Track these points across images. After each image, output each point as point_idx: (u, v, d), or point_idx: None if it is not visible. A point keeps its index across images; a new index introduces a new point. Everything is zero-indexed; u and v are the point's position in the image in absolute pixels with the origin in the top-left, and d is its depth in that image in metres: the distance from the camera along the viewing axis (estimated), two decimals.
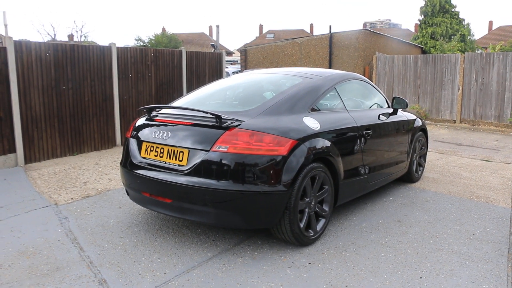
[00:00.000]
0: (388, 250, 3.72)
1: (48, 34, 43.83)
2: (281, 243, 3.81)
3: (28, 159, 6.72)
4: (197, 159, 3.45)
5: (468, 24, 30.90)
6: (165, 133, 3.72)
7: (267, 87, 4.53)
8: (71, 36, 43.38)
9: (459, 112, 12.06)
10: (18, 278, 3.21)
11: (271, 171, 3.38)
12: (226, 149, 3.35)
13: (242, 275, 3.27)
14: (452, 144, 9.18)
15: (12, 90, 6.38)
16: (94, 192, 5.27)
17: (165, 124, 3.84)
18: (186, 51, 9.54)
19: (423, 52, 22.58)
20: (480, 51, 29.44)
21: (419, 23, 31.11)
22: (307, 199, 3.68)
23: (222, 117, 3.50)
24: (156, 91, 8.84)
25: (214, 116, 3.52)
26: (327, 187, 3.90)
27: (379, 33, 16.87)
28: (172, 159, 3.60)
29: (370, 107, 5.16)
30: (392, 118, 5.16)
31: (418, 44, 25.95)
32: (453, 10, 29.62)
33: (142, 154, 3.87)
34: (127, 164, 3.98)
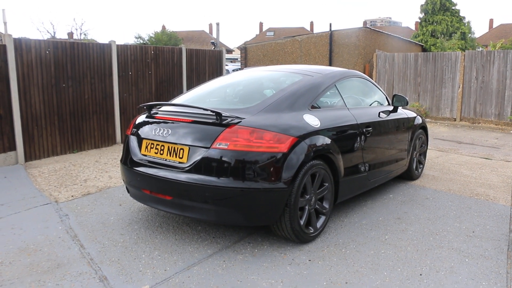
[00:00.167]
0: (388, 247, 3.73)
1: (48, 32, 43.75)
2: (281, 240, 3.82)
3: (28, 156, 6.72)
4: (198, 156, 3.45)
5: (468, 22, 30.85)
6: (165, 131, 3.72)
7: (267, 84, 4.54)
8: (70, 34, 43.35)
9: (459, 110, 12.05)
10: (19, 275, 3.22)
11: (272, 168, 3.39)
12: (226, 146, 3.35)
13: (242, 272, 3.27)
14: (452, 142, 9.18)
15: (12, 88, 6.38)
16: (95, 190, 5.28)
17: (165, 121, 3.84)
18: (186, 49, 9.53)
19: (424, 50, 22.57)
20: (480, 49, 29.43)
21: (419, 21, 31.09)
22: (307, 196, 3.69)
23: (223, 114, 3.50)
24: (156, 89, 8.84)
25: (214, 113, 3.52)
26: (327, 184, 3.90)
27: (379, 31, 16.86)
28: (173, 156, 3.61)
29: (370, 105, 5.17)
30: (392, 116, 5.16)
31: (419, 42, 25.93)
32: (453, 8, 29.60)
33: (143, 151, 3.88)
34: (128, 161, 3.99)
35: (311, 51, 16.10)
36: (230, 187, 3.34)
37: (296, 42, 16.53)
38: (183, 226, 4.14)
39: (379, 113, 4.92)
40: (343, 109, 4.42)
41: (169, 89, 9.14)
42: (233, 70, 16.70)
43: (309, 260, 3.47)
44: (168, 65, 9.09)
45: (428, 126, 8.20)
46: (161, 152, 3.70)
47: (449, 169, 6.52)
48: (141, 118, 4.17)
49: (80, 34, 43.53)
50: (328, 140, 3.86)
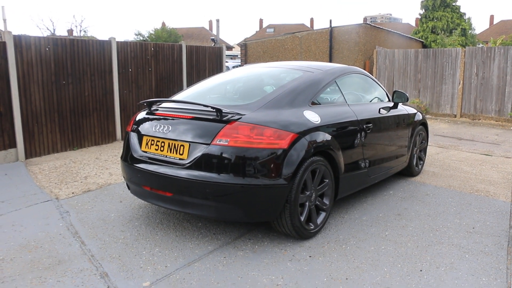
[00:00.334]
0: (388, 243, 3.74)
1: (48, 29, 43.74)
2: (281, 237, 3.82)
3: (29, 153, 6.72)
4: (198, 152, 3.45)
5: (469, 18, 30.80)
6: (166, 127, 3.72)
7: (268, 81, 4.53)
8: (70, 31, 43.29)
9: (460, 106, 12.04)
10: (20, 271, 3.23)
11: (272, 165, 3.39)
12: (226, 143, 3.35)
13: (243, 268, 3.28)
14: (453, 138, 9.18)
15: (12, 84, 6.37)
16: (95, 187, 5.28)
17: (165, 118, 3.84)
18: (186, 46, 9.52)
19: (424, 46, 22.54)
20: (481, 45, 29.36)
21: (419, 17, 31.00)
22: (308, 193, 3.69)
23: (223, 111, 3.50)
24: (156, 86, 8.84)
25: (214, 110, 3.52)
26: (327, 180, 3.90)
27: (379, 27, 16.82)
28: (173, 153, 3.61)
29: (370, 101, 5.16)
30: (393, 112, 5.16)
31: (419, 38, 25.88)
32: (454, 4, 29.51)
33: (143, 148, 3.88)
34: (128, 158, 3.99)
35: (311, 48, 16.08)
36: (231, 184, 3.35)
37: (296, 38, 16.50)
38: (183, 222, 4.14)
39: (379, 109, 4.91)
40: (343, 105, 4.41)
41: (169, 85, 9.14)
42: (233, 67, 16.68)
43: (310, 256, 3.47)
44: (168, 62, 9.08)
45: (428, 122, 8.20)
46: (162, 148, 3.71)
47: (450, 166, 6.52)
48: (142, 114, 4.17)
49: (80, 31, 43.48)
50: (328, 137, 3.86)
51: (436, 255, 3.51)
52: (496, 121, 11.34)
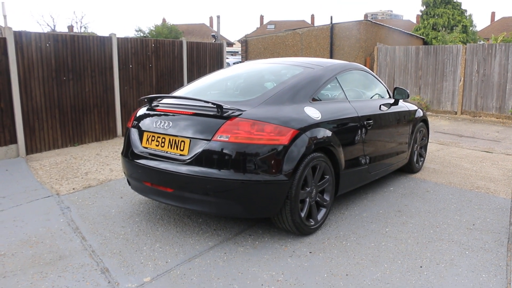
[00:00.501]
0: (389, 239, 3.74)
1: (48, 25, 43.65)
2: (282, 233, 3.83)
3: (30, 149, 6.73)
4: (198, 148, 3.45)
5: (470, 15, 30.73)
6: (166, 123, 3.72)
7: (268, 77, 4.53)
8: (71, 27, 43.25)
9: (460, 103, 12.03)
10: (21, 266, 3.24)
11: (272, 161, 3.39)
12: (227, 139, 3.36)
13: (243, 264, 3.29)
14: (453, 135, 9.17)
15: (13, 81, 6.37)
16: (96, 183, 5.29)
17: (166, 114, 3.84)
18: (187, 42, 9.51)
19: (425, 43, 22.49)
20: (482, 42, 29.31)
21: (420, 14, 30.93)
22: (308, 189, 3.69)
23: (223, 107, 3.50)
24: (157, 82, 8.83)
25: (215, 106, 3.52)
26: (328, 177, 3.91)
27: (380, 24, 16.79)
28: (174, 149, 3.61)
29: (371, 98, 5.16)
30: (393, 109, 5.16)
31: (420, 35, 25.83)
32: (455, 0, 29.42)
33: (144, 144, 3.88)
34: (129, 154, 3.99)
35: (312, 44, 16.05)
36: (231, 179, 3.35)
37: (297, 35, 16.47)
38: (184, 218, 4.15)
39: (380, 106, 4.91)
40: (344, 101, 4.41)
41: (170, 82, 9.13)
42: (234, 63, 16.64)
43: (310, 252, 3.48)
44: (169, 58, 9.07)
45: (429, 119, 8.19)
46: (162, 144, 3.71)
47: (450, 162, 6.52)
48: (142, 110, 4.17)
49: (80, 27, 43.45)
50: (329, 133, 3.86)
51: (436, 252, 3.52)
52: (497, 118, 11.33)
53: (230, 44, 45.84)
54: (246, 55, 17.72)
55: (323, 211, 3.94)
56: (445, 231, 3.94)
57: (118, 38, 7.96)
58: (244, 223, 4.03)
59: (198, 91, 4.46)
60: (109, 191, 4.98)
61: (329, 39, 15.56)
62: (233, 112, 3.49)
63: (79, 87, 7.34)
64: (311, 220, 3.80)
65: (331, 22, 15.74)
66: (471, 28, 30.56)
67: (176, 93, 4.46)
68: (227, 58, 18.95)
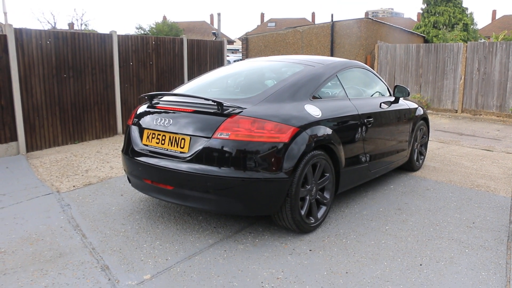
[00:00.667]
0: (389, 237, 3.75)
1: (48, 23, 43.68)
2: (282, 230, 3.83)
3: (30, 147, 6.73)
4: (199, 146, 3.45)
5: (471, 13, 30.61)
6: (167, 120, 3.72)
7: (269, 75, 4.53)
8: (71, 25, 43.23)
9: (461, 101, 12.02)
10: (22, 264, 3.24)
11: (273, 158, 3.39)
12: (227, 136, 3.36)
13: (243, 262, 3.29)
14: (454, 133, 9.17)
15: (13, 78, 6.37)
16: (96, 180, 5.29)
17: (166, 111, 3.84)
18: (187, 39, 9.50)
19: (426, 41, 22.46)
20: (483, 40, 29.25)
21: (421, 12, 30.88)
22: (308, 187, 3.69)
23: (224, 104, 3.50)
24: (157, 79, 8.83)
25: (215, 103, 3.52)
26: (328, 174, 3.91)
27: (381, 22, 16.77)
28: (174, 146, 3.61)
29: (371, 95, 5.16)
30: (394, 107, 5.15)
31: (421, 33, 25.79)
32: None
33: (144, 141, 3.88)
34: (129, 151, 3.99)
35: (312, 42, 16.04)
36: (231, 177, 3.35)
37: (297, 33, 16.46)
38: (184, 216, 4.15)
39: (380, 103, 4.91)
40: (344, 99, 4.41)
41: (170, 79, 9.13)
42: (234, 61, 16.64)
43: (310, 250, 3.48)
44: (169, 55, 9.06)
45: (430, 117, 8.19)
46: (163, 142, 3.71)
47: (450, 161, 6.52)
48: (143, 108, 4.17)
49: (81, 24, 43.41)
50: (329, 131, 3.86)
51: (436, 250, 3.52)
52: (497, 116, 11.32)
53: (230, 41, 45.81)
54: (247, 53, 17.70)
55: (323, 209, 3.95)
56: (445, 229, 3.95)
57: (118, 36, 7.96)
58: (244, 220, 4.03)
59: (199, 89, 4.46)
60: (110, 188, 4.99)
61: (329, 37, 15.54)
62: (233, 110, 3.48)
63: (80, 84, 7.34)
64: (311, 218, 3.80)
65: (332, 20, 15.72)
66: (472, 26, 30.48)
67: (176, 91, 4.46)
68: (228, 56, 18.93)
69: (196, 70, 9.69)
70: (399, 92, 5.27)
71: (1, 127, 6.36)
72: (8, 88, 6.35)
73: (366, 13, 72.25)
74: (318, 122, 3.76)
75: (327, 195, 3.97)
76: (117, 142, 7.53)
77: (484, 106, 11.62)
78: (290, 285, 2.99)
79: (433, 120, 10.81)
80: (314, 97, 4.01)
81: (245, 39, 17.98)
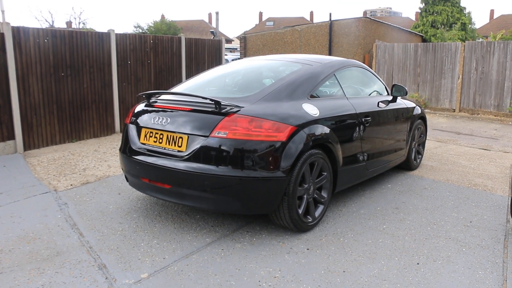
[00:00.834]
0: (386, 236, 3.75)
1: (46, 21, 43.53)
2: (279, 229, 3.83)
3: (27, 145, 6.71)
4: (196, 145, 3.45)
5: (469, 13, 30.67)
6: (164, 119, 3.71)
7: (267, 73, 4.52)
8: (69, 23, 43.11)
9: (459, 101, 12.04)
10: (18, 262, 3.24)
11: (270, 157, 3.39)
12: (225, 135, 3.35)
13: (240, 261, 3.29)
14: (451, 132, 9.19)
15: (11, 76, 6.35)
16: (94, 179, 5.28)
17: (164, 110, 3.83)
18: (186, 38, 9.49)
19: (424, 40, 22.49)
20: (480, 40, 29.29)
21: (420, 11, 30.91)
22: (306, 186, 3.69)
23: (222, 103, 3.50)
24: (155, 78, 8.82)
25: (213, 102, 3.52)
26: (325, 173, 3.91)
27: (379, 21, 16.78)
28: (171, 145, 3.61)
29: (369, 95, 5.16)
30: (392, 106, 5.16)
31: (419, 32, 25.82)
32: None
33: (141, 140, 3.88)
34: (126, 150, 3.99)
35: (310, 41, 16.03)
36: (229, 176, 3.35)
37: (295, 32, 16.45)
38: (181, 215, 4.15)
39: (378, 103, 4.91)
40: (342, 98, 4.41)
41: (168, 78, 9.12)
42: (233, 60, 16.63)
43: (307, 249, 3.49)
44: (167, 54, 9.05)
45: (427, 116, 8.21)
46: (160, 140, 3.70)
47: (448, 160, 6.53)
48: (140, 106, 4.16)
49: (79, 23, 43.30)
50: (327, 130, 3.86)
51: (433, 249, 3.53)
52: (495, 115, 11.35)
53: (229, 40, 45.77)
54: (245, 52, 17.69)
55: (320, 207, 3.95)
56: (442, 228, 3.95)
57: (116, 34, 7.94)
58: (242, 219, 4.03)
59: (197, 88, 4.45)
60: (107, 187, 4.98)
61: (328, 36, 15.54)
62: (231, 109, 3.48)
63: (77, 83, 7.33)
64: (308, 216, 3.80)
65: (330, 19, 15.73)
66: (470, 25, 30.53)
67: (174, 90, 4.46)
68: (226, 54, 18.91)
69: (194, 69, 9.68)
70: (397, 91, 5.27)
71: None
72: (5, 86, 6.33)
73: (364, 12, 72.25)
74: (315, 121, 3.76)
75: (324, 194, 3.97)
76: (115, 140, 7.52)
77: (481, 106, 11.64)
78: (287, 284, 2.99)
79: (431, 119, 10.83)
80: (312, 96, 4.01)
81: (243, 38, 17.97)
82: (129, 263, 3.24)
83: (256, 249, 3.47)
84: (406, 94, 5.32)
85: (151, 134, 3.80)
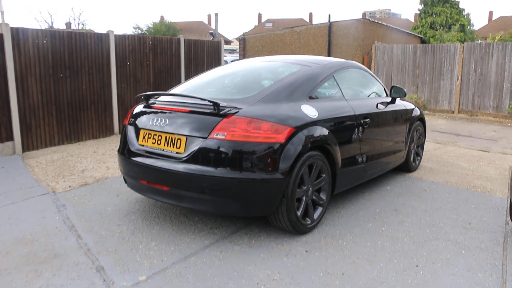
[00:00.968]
0: (385, 238, 3.74)
1: (46, 22, 43.53)
2: (278, 231, 3.82)
3: (26, 147, 6.70)
4: (195, 146, 3.44)
5: (468, 14, 30.66)
6: (163, 120, 3.70)
7: (265, 75, 4.51)
8: (68, 24, 43.10)
9: (458, 102, 12.04)
10: (16, 265, 3.22)
11: (269, 159, 3.38)
12: (223, 137, 3.34)
13: (239, 263, 3.28)
14: (450, 134, 9.18)
15: (9, 77, 6.33)
16: (92, 180, 5.27)
17: (162, 111, 3.82)
18: (185, 39, 9.48)
19: (423, 42, 22.50)
20: (479, 41, 29.31)
21: (418, 12, 30.94)
22: (305, 187, 3.68)
23: (220, 105, 3.49)
24: (154, 79, 8.81)
25: (212, 103, 3.51)
26: (324, 175, 3.90)
27: (378, 23, 16.79)
28: (170, 147, 3.60)
29: (368, 96, 5.15)
30: (390, 107, 5.15)
31: (418, 34, 25.83)
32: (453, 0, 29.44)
33: (140, 141, 3.86)
34: (125, 151, 3.98)
35: (310, 43, 16.04)
36: (227, 178, 3.34)
37: (295, 33, 16.45)
38: (180, 216, 4.14)
39: (377, 104, 4.90)
40: (341, 100, 4.40)
41: (167, 79, 9.11)
42: (232, 61, 16.61)
43: (306, 251, 3.47)
44: (167, 55, 9.04)
45: (426, 118, 8.20)
46: (159, 142, 3.69)
47: (447, 161, 6.52)
48: (139, 108, 4.15)
49: (78, 24, 43.29)
50: (325, 131, 3.85)
51: (432, 251, 3.52)
52: (494, 117, 11.35)
53: (228, 42, 45.81)
54: (244, 53, 17.69)
55: (319, 209, 3.93)
56: (441, 230, 3.94)
57: (115, 35, 7.93)
58: (240, 221, 4.02)
59: (195, 89, 4.45)
60: (106, 189, 4.97)
61: (327, 38, 15.55)
62: (229, 110, 3.47)
63: (76, 84, 7.31)
64: (307, 218, 3.79)
65: (329, 21, 15.74)
66: (468, 27, 30.52)
67: (173, 91, 4.45)
68: (225, 56, 18.91)
69: (193, 70, 9.67)
70: (395, 92, 5.27)
71: None
72: (4, 87, 6.32)
73: (364, 14, 72.35)
74: (314, 123, 3.75)
75: (323, 196, 3.96)
76: (114, 142, 7.50)
77: (480, 107, 11.64)
78: (286, 286, 2.98)
79: (429, 120, 10.82)
80: (311, 98, 4.00)
81: (242, 39, 17.97)
82: (127, 265, 3.22)
83: (255, 252, 3.46)
84: (405, 95, 5.32)
85: (149, 136, 3.79)
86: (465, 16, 30.06)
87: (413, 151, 5.82)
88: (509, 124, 10.67)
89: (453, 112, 12.14)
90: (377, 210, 4.40)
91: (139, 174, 3.80)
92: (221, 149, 3.35)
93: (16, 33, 6.40)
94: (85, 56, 7.40)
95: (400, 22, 49.79)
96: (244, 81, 4.60)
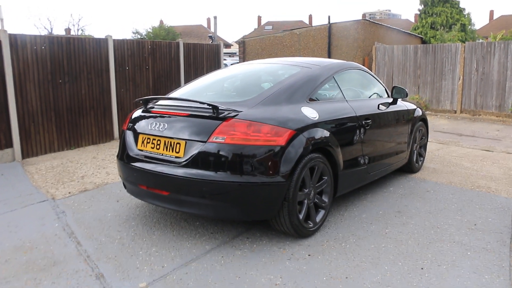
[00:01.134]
0: (389, 241, 3.68)
1: (45, 28, 43.63)
2: (280, 235, 3.77)
3: (25, 153, 6.66)
4: (194, 150, 3.39)
5: (468, 14, 30.63)
6: (162, 125, 3.66)
7: (265, 77, 4.48)
8: (68, 30, 43.19)
9: (460, 102, 11.98)
10: (15, 273, 3.18)
11: (269, 162, 3.33)
12: (223, 140, 3.30)
13: (241, 268, 3.23)
14: (453, 134, 9.12)
15: (8, 84, 6.31)
16: (92, 186, 5.22)
17: (161, 115, 3.78)
18: (184, 43, 9.46)
19: (423, 42, 22.45)
20: (480, 40, 29.26)
21: (419, 13, 30.93)
22: (306, 190, 3.63)
23: (219, 108, 3.44)
24: (153, 84, 8.78)
25: (211, 107, 3.47)
26: (326, 177, 3.85)
27: (378, 24, 16.76)
28: (169, 151, 3.55)
29: (369, 97, 5.10)
30: (392, 108, 5.10)
31: (418, 34, 25.80)
32: None
33: (139, 146, 3.82)
34: (124, 156, 3.93)
35: (309, 44, 16.01)
36: (228, 182, 3.29)
37: (294, 35, 16.43)
38: (180, 221, 4.09)
39: (378, 105, 4.86)
40: (341, 101, 4.35)
41: (167, 83, 9.08)
42: (231, 64, 16.58)
43: (309, 255, 3.42)
44: (166, 59, 9.02)
45: (428, 118, 8.14)
46: (158, 146, 3.65)
47: (450, 162, 6.46)
48: (138, 112, 4.11)
49: (78, 29, 43.37)
50: (326, 133, 3.80)
51: (437, 253, 3.46)
52: (497, 116, 11.28)
53: (227, 45, 45.85)
54: (244, 56, 17.67)
55: (321, 212, 3.88)
56: (446, 231, 3.88)
57: (114, 40, 7.91)
58: (242, 226, 3.97)
59: (195, 92, 4.41)
60: (105, 194, 4.92)
61: (327, 39, 15.52)
62: (229, 113, 3.43)
63: (75, 89, 7.28)
64: (309, 222, 3.74)
65: (329, 22, 15.71)
66: (469, 26, 30.49)
67: (171, 95, 4.41)
68: (225, 59, 18.89)
69: (193, 74, 9.64)
70: (397, 93, 5.22)
71: None
72: (3, 94, 6.29)
73: (364, 15, 72.35)
74: (315, 125, 3.70)
75: (325, 198, 3.91)
76: (114, 147, 7.46)
77: (483, 106, 11.58)
78: None
79: (432, 121, 10.77)
80: (311, 99, 3.96)
81: (242, 42, 17.96)
82: (127, 272, 3.18)
83: (257, 256, 3.41)
84: (407, 96, 5.27)
85: (148, 140, 3.74)
86: (466, 16, 30.03)
87: (415, 151, 5.77)
88: None
89: (455, 112, 12.08)
90: (380, 212, 4.35)
91: (139, 179, 3.75)
92: (220, 152, 3.31)
93: (14, 39, 6.38)
94: (83, 61, 7.38)
95: (400, 22, 49.80)
96: (244, 84, 4.56)
